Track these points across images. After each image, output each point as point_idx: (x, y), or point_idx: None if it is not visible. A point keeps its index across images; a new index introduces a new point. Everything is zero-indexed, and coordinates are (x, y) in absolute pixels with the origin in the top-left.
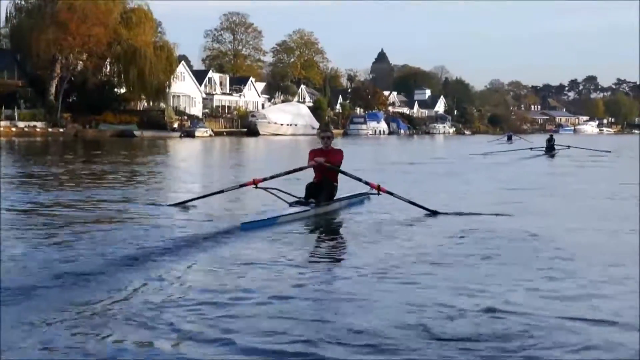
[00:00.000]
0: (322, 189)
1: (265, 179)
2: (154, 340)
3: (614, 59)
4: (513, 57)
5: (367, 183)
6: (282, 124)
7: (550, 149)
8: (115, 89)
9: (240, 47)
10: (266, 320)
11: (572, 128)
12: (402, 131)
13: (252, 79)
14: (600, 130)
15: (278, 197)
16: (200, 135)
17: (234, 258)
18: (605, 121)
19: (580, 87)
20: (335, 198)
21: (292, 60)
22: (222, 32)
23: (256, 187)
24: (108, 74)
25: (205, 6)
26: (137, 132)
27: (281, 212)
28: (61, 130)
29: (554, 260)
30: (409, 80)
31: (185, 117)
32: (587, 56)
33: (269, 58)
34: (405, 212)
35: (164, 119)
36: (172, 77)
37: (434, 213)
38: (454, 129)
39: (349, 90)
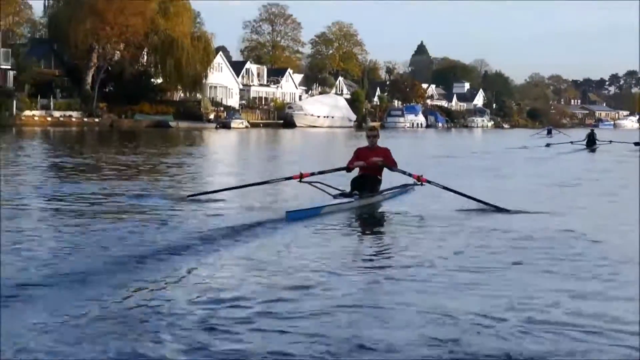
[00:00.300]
0: (366, 182)
1: (312, 174)
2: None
3: None
4: (554, 52)
5: (409, 175)
6: (318, 116)
7: (591, 144)
8: (152, 79)
9: (279, 39)
10: (301, 322)
11: (612, 123)
12: (440, 124)
13: (289, 70)
14: None
15: (323, 190)
16: (236, 126)
17: (274, 251)
18: None
19: (621, 82)
20: (379, 190)
21: (331, 52)
22: (261, 23)
23: (301, 181)
24: (145, 64)
25: None
26: (172, 123)
27: (325, 202)
28: (97, 120)
29: (600, 267)
30: (447, 73)
31: (222, 108)
32: (629, 51)
33: (307, 50)
34: (448, 205)
35: (200, 110)
36: (209, 68)
37: (479, 202)
38: (493, 122)
39: (387, 83)
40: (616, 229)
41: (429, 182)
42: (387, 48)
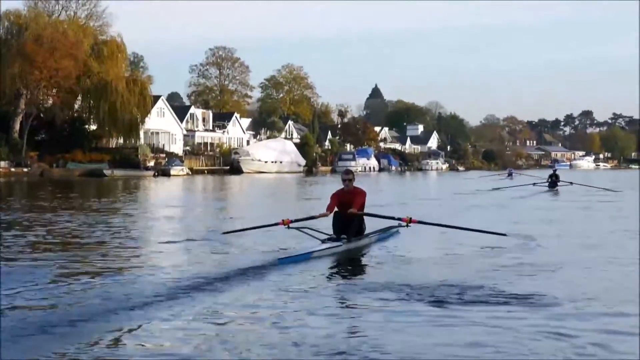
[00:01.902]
0: (349, 224)
1: (292, 221)
2: None
3: (610, 93)
4: (508, 92)
5: (399, 219)
6: (266, 161)
7: (553, 185)
8: (86, 126)
9: (226, 83)
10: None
11: (568, 163)
12: (393, 167)
13: (236, 114)
14: (596, 165)
15: (310, 235)
16: (176, 173)
17: (266, 297)
18: (601, 156)
19: (576, 122)
20: (365, 233)
21: (281, 95)
22: (207, 67)
23: (289, 227)
24: (79, 109)
25: (190, 42)
26: (107, 171)
27: (315, 248)
28: (26, 169)
29: None
30: (401, 116)
31: (164, 155)
32: (583, 90)
33: (256, 93)
34: (436, 243)
35: (138, 157)
36: (146, 112)
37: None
38: (447, 164)
39: (339, 126)
40: None
41: (420, 222)
42: (340, 91)
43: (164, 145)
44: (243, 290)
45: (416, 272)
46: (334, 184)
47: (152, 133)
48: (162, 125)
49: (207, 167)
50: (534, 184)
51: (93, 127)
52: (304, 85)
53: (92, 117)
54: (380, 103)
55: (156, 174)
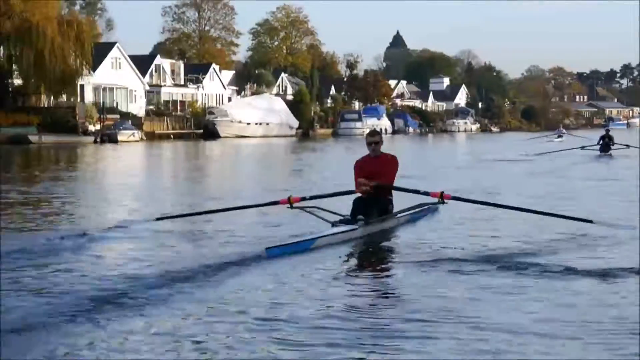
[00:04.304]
0: (373, 204)
1: (304, 199)
2: None
3: None
4: (555, 39)
5: (426, 193)
6: (249, 123)
7: (606, 148)
8: (9, 80)
9: (207, 28)
10: None
11: (626, 122)
12: (411, 129)
13: (214, 66)
14: None
15: (319, 216)
16: (125, 139)
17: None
18: None
19: (635, 73)
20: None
21: (276, 44)
22: (184, 9)
23: (292, 207)
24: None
25: None
26: (33, 137)
27: (318, 233)
28: None
29: None
30: (424, 67)
31: (117, 117)
32: None
33: (246, 41)
34: (482, 225)
35: (76, 119)
36: (84, 62)
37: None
38: (478, 125)
39: (345, 80)
40: None
41: (454, 198)
42: (354, 40)
43: (117, 104)
44: (203, 294)
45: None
46: (336, 152)
47: (104, 89)
48: (117, 79)
49: (173, 131)
50: (582, 147)
51: (18, 81)
52: (303, 30)
53: (15, 68)
54: (402, 53)
55: (98, 140)
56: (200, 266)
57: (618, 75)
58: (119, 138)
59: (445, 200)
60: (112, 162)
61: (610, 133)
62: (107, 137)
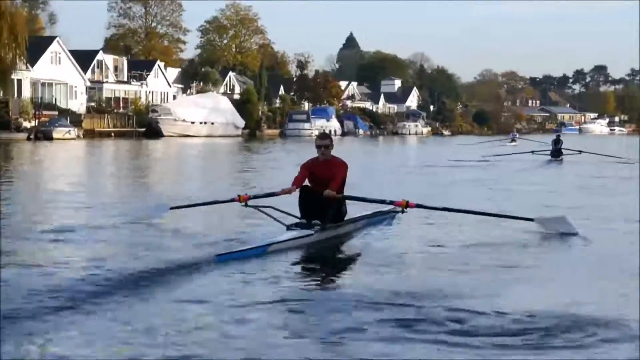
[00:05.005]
0: (325, 205)
1: (251, 197)
2: None
3: (628, 45)
4: (509, 44)
5: (391, 203)
6: (193, 122)
7: (557, 153)
8: None
9: (154, 24)
10: None
11: (578, 127)
12: (361, 131)
13: (159, 63)
14: (611, 129)
15: (273, 217)
16: (60, 136)
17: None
18: (617, 119)
19: (588, 79)
20: (347, 218)
21: (225, 42)
22: (130, 4)
23: (246, 206)
24: None
25: None
26: None
27: (272, 239)
28: None
29: None
30: (375, 69)
31: (56, 113)
32: (596, 42)
33: (194, 39)
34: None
35: (9, 115)
36: (19, 55)
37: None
38: (429, 128)
39: (294, 80)
40: None
41: (419, 206)
42: (306, 40)
43: (56, 99)
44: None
45: (421, 282)
46: (283, 153)
47: (42, 84)
48: (56, 74)
49: (114, 129)
50: (532, 152)
51: None
52: (253, 29)
53: None
54: (355, 55)
55: (32, 137)
56: (140, 272)
57: (570, 80)
58: (54, 135)
59: (406, 210)
60: (37, 160)
61: (561, 138)
62: (42, 134)
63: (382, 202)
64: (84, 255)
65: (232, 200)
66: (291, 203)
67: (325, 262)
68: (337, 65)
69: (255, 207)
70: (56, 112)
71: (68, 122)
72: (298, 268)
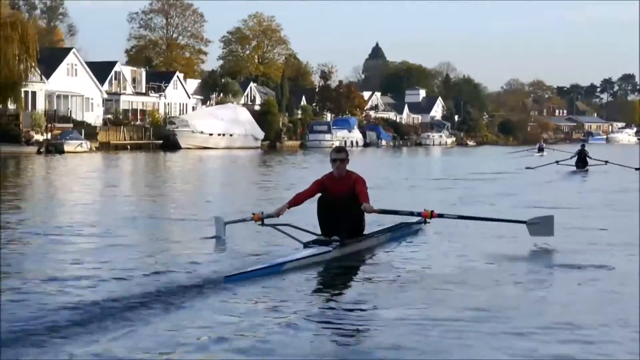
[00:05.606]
0: (343, 221)
1: (262, 216)
2: None
3: None
4: (536, 53)
5: (419, 214)
6: (211, 134)
7: (582, 164)
8: None
9: (175, 35)
10: None
11: (605, 137)
12: (383, 142)
13: (178, 74)
14: (639, 139)
15: (290, 235)
16: (72, 150)
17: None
18: None
19: (615, 88)
20: (366, 232)
21: (248, 52)
22: (151, 15)
23: (263, 224)
24: None
25: None
26: None
27: (287, 257)
28: None
29: None
30: (399, 79)
31: (70, 126)
32: (625, 50)
33: (216, 50)
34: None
35: (19, 128)
36: (30, 67)
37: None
38: (454, 138)
39: (317, 90)
40: None
41: (441, 215)
42: (332, 51)
43: (71, 112)
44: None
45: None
46: (290, 165)
47: (58, 96)
48: (72, 86)
49: (131, 142)
50: (557, 162)
51: None
52: (276, 39)
53: None
54: (380, 65)
55: (42, 150)
56: (147, 293)
57: (598, 89)
58: (66, 148)
59: (428, 220)
60: (38, 176)
61: (586, 148)
62: (54, 147)
63: (411, 214)
64: (85, 275)
65: (245, 220)
66: (311, 221)
67: (343, 281)
68: (362, 76)
69: (272, 225)
70: (71, 125)
71: (82, 134)
72: (313, 288)
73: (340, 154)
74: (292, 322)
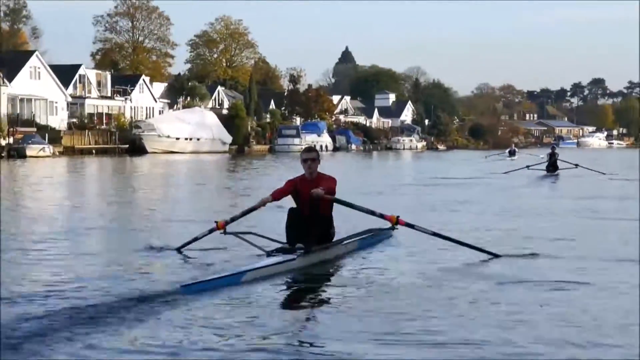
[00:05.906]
0: (311, 226)
1: (227, 222)
2: None
3: (626, 58)
4: (506, 57)
5: (381, 216)
6: (178, 138)
7: (553, 168)
8: None
9: (141, 39)
10: None
11: (575, 141)
12: (353, 146)
13: (144, 77)
14: (609, 143)
15: (253, 244)
16: (34, 154)
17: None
18: (615, 132)
19: (585, 92)
20: (334, 240)
21: (215, 56)
22: (117, 18)
23: (225, 233)
24: None
25: None
26: None
27: (248, 266)
28: None
29: None
30: (369, 83)
31: (34, 130)
32: (594, 54)
33: (183, 53)
34: (444, 258)
35: None
36: None
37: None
38: (424, 142)
39: (285, 94)
40: None
41: (408, 225)
42: (302, 55)
43: (34, 115)
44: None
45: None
46: (258, 169)
47: (21, 100)
48: (36, 90)
49: (96, 146)
50: (527, 166)
51: None
52: (243, 43)
53: None
54: (350, 69)
55: (3, 154)
56: (103, 304)
57: (568, 94)
58: (28, 153)
59: (397, 226)
60: None
61: (557, 151)
62: (15, 151)
63: (372, 213)
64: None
65: (211, 231)
66: (275, 228)
67: (304, 291)
68: (332, 80)
69: (235, 233)
70: (34, 129)
71: (45, 139)
72: (274, 298)
73: (310, 154)
74: (251, 335)
